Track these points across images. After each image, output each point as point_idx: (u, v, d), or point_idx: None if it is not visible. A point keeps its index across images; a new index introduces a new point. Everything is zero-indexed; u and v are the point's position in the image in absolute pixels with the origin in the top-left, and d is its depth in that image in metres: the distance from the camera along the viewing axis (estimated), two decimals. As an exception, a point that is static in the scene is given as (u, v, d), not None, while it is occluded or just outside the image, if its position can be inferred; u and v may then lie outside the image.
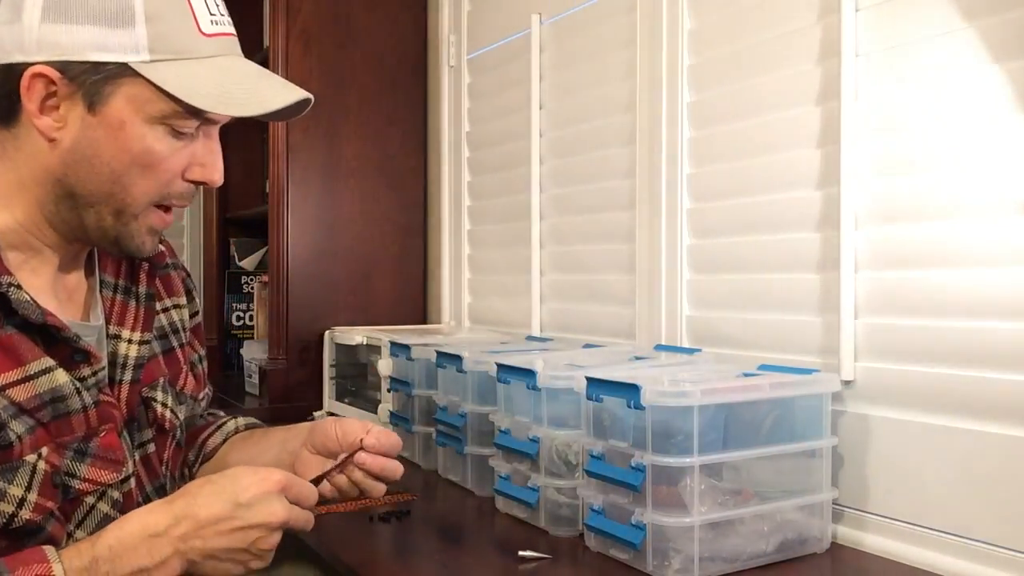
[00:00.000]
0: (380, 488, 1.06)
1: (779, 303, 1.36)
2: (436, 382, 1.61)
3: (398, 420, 1.75)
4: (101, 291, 1.02)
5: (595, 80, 1.76)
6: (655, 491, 1.09)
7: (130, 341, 1.01)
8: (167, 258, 1.12)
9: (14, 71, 0.86)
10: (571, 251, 1.85)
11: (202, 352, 1.22)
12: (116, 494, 0.94)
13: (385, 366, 1.80)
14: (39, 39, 0.85)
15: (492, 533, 1.33)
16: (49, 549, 0.82)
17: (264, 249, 2.82)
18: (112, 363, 0.98)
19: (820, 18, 1.29)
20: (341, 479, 1.04)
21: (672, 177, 1.54)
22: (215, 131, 0.94)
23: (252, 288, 2.87)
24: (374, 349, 1.95)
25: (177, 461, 1.10)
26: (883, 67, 1.21)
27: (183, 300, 1.15)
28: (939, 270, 1.14)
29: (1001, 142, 1.08)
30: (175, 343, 1.11)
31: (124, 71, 0.86)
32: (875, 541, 1.20)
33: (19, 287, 0.86)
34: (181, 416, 1.09)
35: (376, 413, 1.84)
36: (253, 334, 2.82)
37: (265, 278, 2.56)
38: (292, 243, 2.28)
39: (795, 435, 1.18)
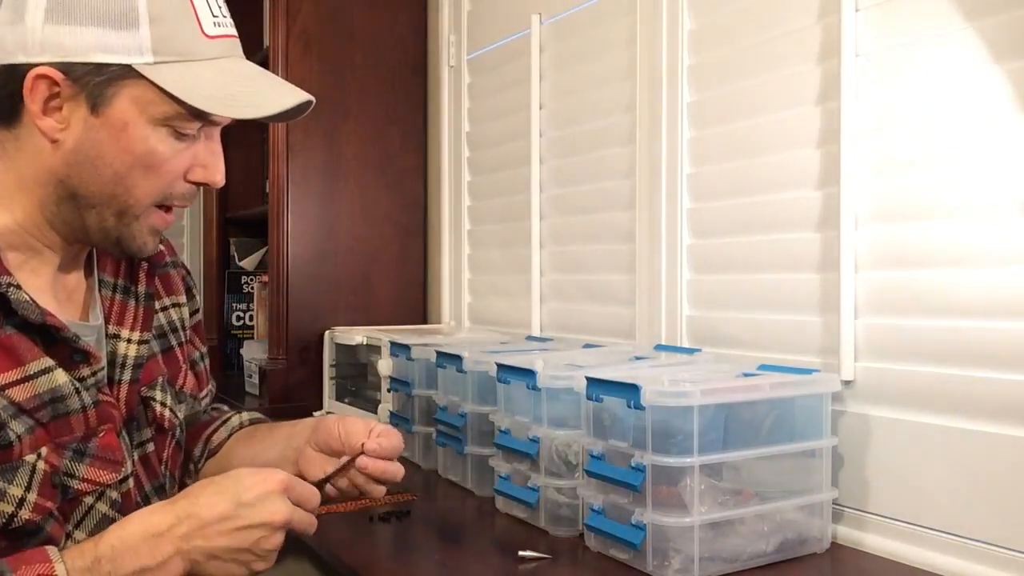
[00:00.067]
0: (380, 489, 1.06)
1: (779, 303, 1.36)
2: (436, 382, 1.61)
3: (398, 420, 1.75)
4: (100, 291, 1.02)
5: (595, 80, 1.76)
6: (655, 491, 1.09)
7: (129, 341, 1.01)
8: (167, 257, 1.13)
9: (16, 72, 0.86)
10: (571, 251, 1.85)
11: (203, 350, 1.22)
12: (115, 494, 0.94)
13: (385, 366, 1.80)
14: (42, 40, 0.85)
15: (492, 533, 1.33)
16: (51, 549, 0.82)
17: (264, 249, 2.82)
18: (111, 363, 0.98)
19: (820, 18, 1.29)
20: (342, 480, 1.04)
21: (672, 177, 1.54)
22: (217, 132, 0.95)
23: (252, 288, 2.87)
24: (374, 349, 1.95)
25: (177, 460, 1.10)
26: (883, 67, 1.21)
27: (183, 298, 1.15)
28: (939, 270, 1.14)
29: (1001, 142, 1.08)
30: (174, 342, 1.11)
31: (127, 73, 0.86)
32: (875, 541, 1.20)
33: (19, 287, 0.87)
34: (180, 415, 1.09)
35: (376, 413, 1.84)
36: (253, 334, 2.82)
37: (265, 278, 2.56)
38: (292, 243, 2.28)
39: (795, 435, 1.18)
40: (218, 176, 0.94)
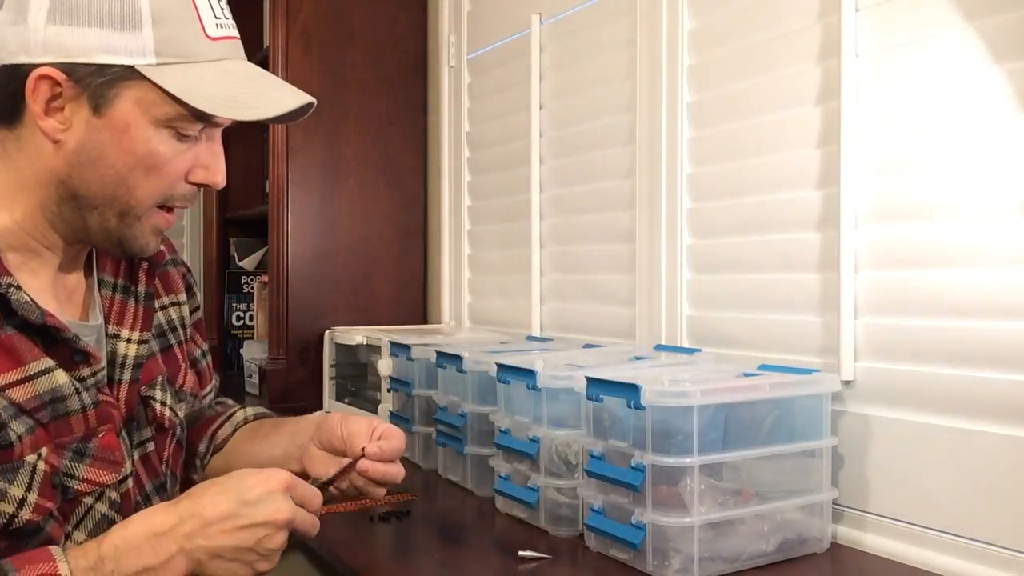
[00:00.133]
0: (380, 490, 1.07)
1: (779, 303, 1.36)
2: (436, 382, 1.61)
3: (398, 420, 1.75)
4: (100, 290, 1.02)
5: (595, 80, 1.76)
6: (655, 491, 1.09)
7: (129, 340, 1.01)
8: (167, 255, 1.13)
9: (18, 72, 0.86)
10: (571, 251, 1.85)
11: (204, 347, 1.22)
12: (114, 495, 0.94)
13: (385, 366, 1.80)
14: (45, 40, 0.85)
15: (492, 533, 1.33)
16: (55, 549, 0.82)
17: (264, 249, 2.82)
18: (111, 363, 0.98)
19: (820, 18, 1.29)
20: (343, 482, 1.04)
21: (672, 177, 1.54)
22: (218, 134, 0.95)
23: (252, 288, 2.87)
24: (374, 349, 1.95)
25: (178, 459, 1.10)
26: (883, 67, 1.21)
27: (182, 297, 1.15)
28: (939, 270, 1.14)
29: (1001, 142, 1.08)
30: (173, 341, 1.12)
31: (130, 74, 0.86)
32: (875, 541, 1.20)
33: (19, 288, 0.87)
34: (181, 414, 1.09)
35: (376, 413, 1.84)
36: (253, 334, 2.82)
37: (265, 278, 2.56)
38: (292, 243, 2.28)
39: (795, 435, 1.18)
40: (219, 177, 0.94)
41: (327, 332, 2.20)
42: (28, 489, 0.85)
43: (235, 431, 1.20)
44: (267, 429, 1.19)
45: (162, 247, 1.09)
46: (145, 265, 1.06)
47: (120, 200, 0.90)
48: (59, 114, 0.87)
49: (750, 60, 1.40)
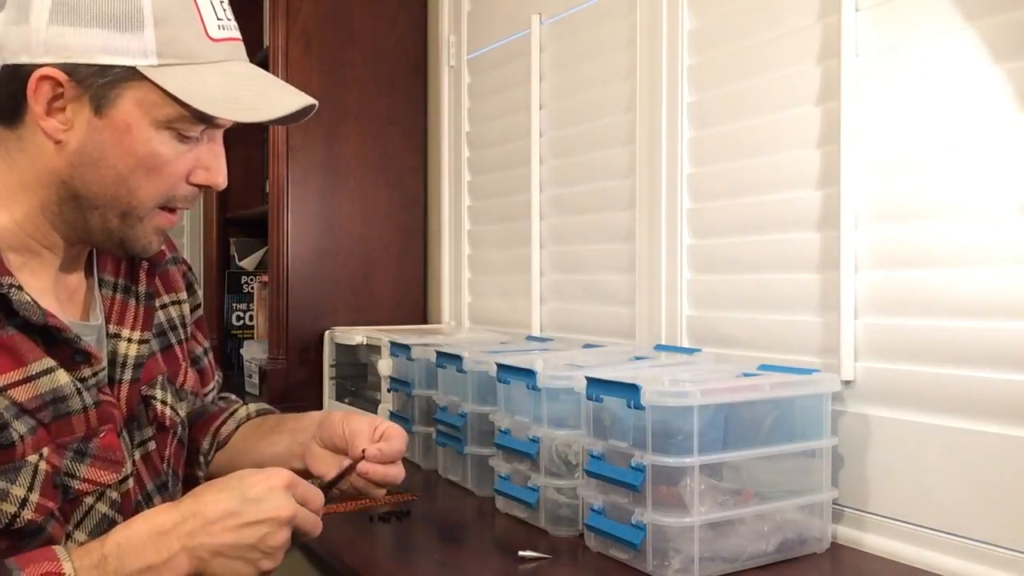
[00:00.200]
0: (380, 491, 1.07)
1: (779, 303, 1.36)
2: (436, 382, 1.61)
3: (398, 420, 1.74)
4: (101, 290, 1.02)
5: (595, 80, 1.76)
6: (655, 491, 1.09)
7: (130, 340, 1.01)
8: (167, 254, 1.13)
9: (20, 72, 0.86)
10: (571, 251, 1.85)
11: (206, 344, 1.22)
12: (114, 494, 0.94)
13: (385, 366, 1.80)
14: (47, 41, 0.85)
15: (492, 533, 1.33)
16: (59, 548, 0.82)
17: (264, 249, 2.82)
18: (112, 362, 0.99)
19: (820, 18, 1.29)
20: (343, 483, 1.04)
21: (672, 177, 1.54)
22: (219, 135, 0.95)
23: (252, 288, 2.87)
24: (374, 349, 1.95)
25: (180, 458, 1.10)
26: (883, 67, 1.21)
27: (183, 295, 1.15)
28: (939, 270, 1.14)
29: (1001, 142, 1.08)
30: (173, 340, 1.12)
31: (132, 75, 0.86)
32: (875, 541, 1.20)
33: (20, 288, 0.87)
34: (182, 413, 1.09)
35: (376, 413, 1.84)
36: (253, 334, 2.82)
37: (265, 278, 2.56)
38: (292, 243, 2.28)
39: (795, 435, 1.18)
40: (220, 178, 0.94)
41: (327, 332, 2.20)
42: (30, 489, 0.85)
43: (238, 428, 1.21)
44: (270, 426, 1.19)
45: (163, 246, 1.09)
46: (146, 265, 1.06)
47: (121, 201, 0.90)
48: (60, 114, 0.87)
49: (750, 60, 1.40)
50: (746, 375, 1.23)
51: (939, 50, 1.14)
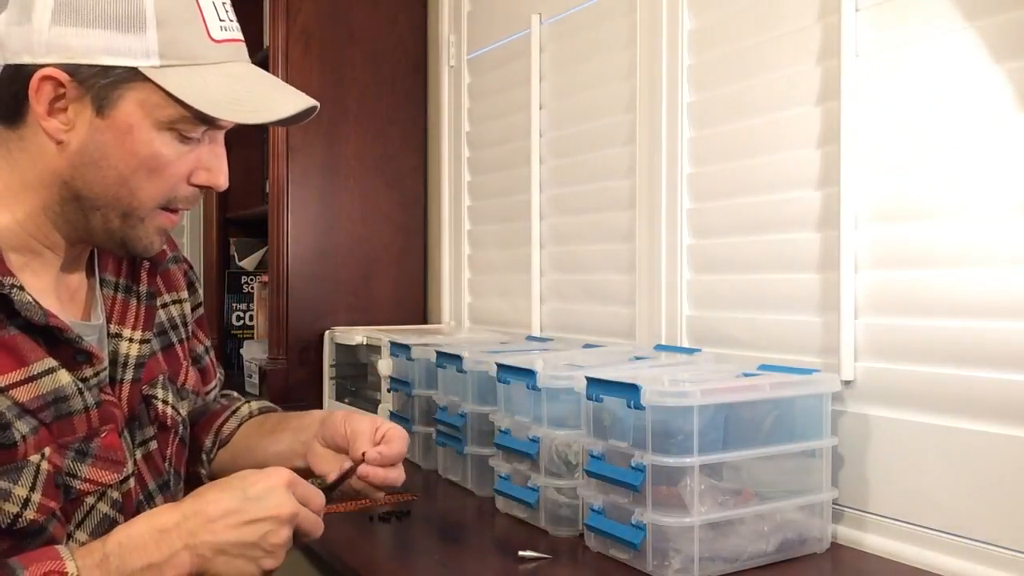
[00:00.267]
0: (379, 493, 1.07)
1: (779, 303, 1.36)
2: (436, 382, 1.61)
3: (398, 420, 1.74)
4: (102, 290, 1.02)
5: (595, 80, 1.76)
6: (655, 491, 1.09)
7: (131, 340, 1.01)
8: (168, 253, 1.13)
9: (22, 72, 0.86)
10: (571, 251, 1.85)
11: (207, 343, 1.23)
12: (116, 494, 0.94)
13: (385, 366, 1.80)
14: (49, 41, 0.85)
15: (492, 533, 1.33)
16: (62, 548, 0.82)
17: (264, 249, 2.82)
18: (113, 362, 0.99)
19: (820, 18, 1.29)
20: (343, 485, 1.04)
21: (672, 177, 1.54)
22: (221, 136, 0.95)
23: (252, 288, 2.87)
24: (374, 349, 1.95)
25: (181, 457, 1.10)
26: (883, 67, 1.21)
27: (184, 294, 1.16)
28: (939, 270, 1.14)
29: (1001, 142, 1.08)
30: (174, 339, 1.12)
31: (134, 76, 0.86)
32: (875, 541, 1.20)
33: (21, 288, 0.87)
34: (183, 412, 1.09)
35: (376, 413, 1.84)
36: (253, 334, 2.82)
37: (265, 278, 2.56)
38: (292, 243, 2.28)
39: (795, 435, 1.18)
40: (222, 179, 0.95)
41: (327, 332, 2.20)
42: (32, 489, 0.85)
43: (240, 426, 1.21)
44: (272, 424, 1.19)
45: (164, 246, 1.09)
46: (147, 264, 1.06)
47: (123, 201, 0.90)
48: (62, 115, 0.87)
49: (750, 60, 1.40)
50: (746, 375, 1.23)
51: (939, 50, 1.14)
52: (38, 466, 0.86)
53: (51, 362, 0.88)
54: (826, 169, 1.28)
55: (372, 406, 1.92)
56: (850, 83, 1.23)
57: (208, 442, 1.19)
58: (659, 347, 1.53)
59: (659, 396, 1.08)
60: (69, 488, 0.89)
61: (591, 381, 1.17)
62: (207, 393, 1.21)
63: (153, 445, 1.03)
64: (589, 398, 1.18)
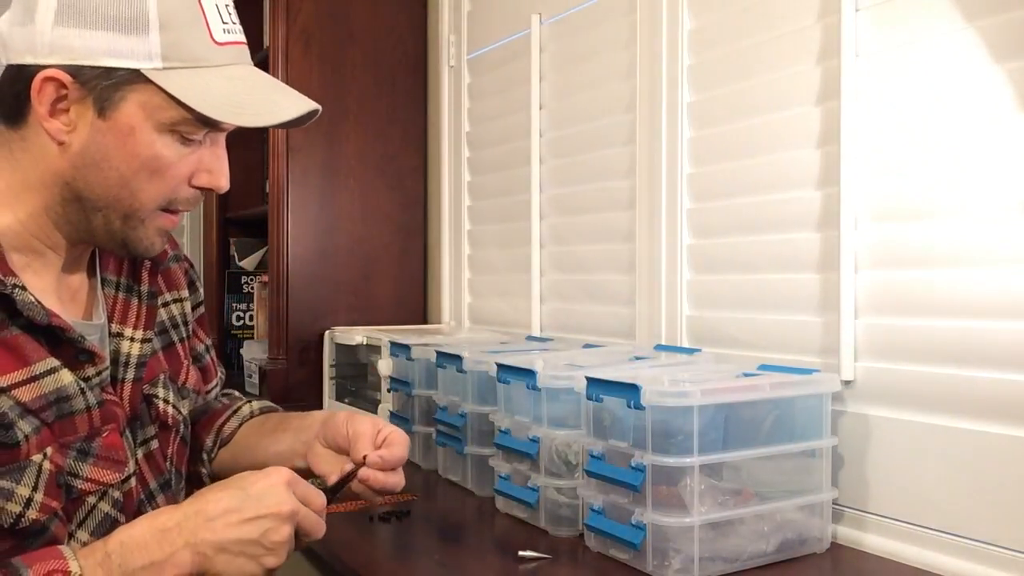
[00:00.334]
0: (378, 498, 1.07)
1: (779, 303, 1.36)
2: (436, 382, 1.61)
3: (398, 420, 1.75)
4: (103, 289, 1.02)
5: (595, 80, 1.76)
6: (655, 491, 1.09)
7: (132, 339, 1.01)
8: (169, 252, 1.13)
9: (24, 73, 0.86)
10: (571, 251, 1.85)
11: (208, 342, 1.23)
12: (117, 494, 0.94)
13: (385, 366, 1.80)
14: (51, 42, 0.85)
15: (492, 533, 1.33)
16: (64, 548, 0.82)
17: (264, 249, 2.82)
18: (115, 361, 0.99)
19: (820, 18, 1.29)
20: (344, 487, 1.05)
21: (672, 177, 1.54)
22: (222, 138, 0.95)
23: (252, 288, 2.87)
24: (374, 349, 1.95)
25: (183, 456, 1.11)
26: (883, 67, 1.21)
27: (185, 293, 1.16)
28: (939, 270, 1.14)
29: (1001, 142, 1.08)
30: (175, 338, 1.12)
31: (136, 78, 0.86)
32: (875, 541, 1.20)
33: (24, 288, 0.87)
34: (184, 411, 1.10)
35: (376, 413, 1.84)
36: (253, 334, 2.82)
37: (265, 278, 2.56)
38: (292, 243, 2.28)
39: (795, 435, 1.18)
40: (223, 181, 0.95)
41: (327, 332, 2.20)
42: (34, 489, 0.85)
43: (241, 425, 1.21)
44: (273, 424, 1.19)
45: (166, 245, 1.09)
46: (148, 263, 1.06)
47: (123, 202, 0.90)
48: (64, 116, 0.87)
49: (750, 60, 1.40)
50: (746, 375, 1.23)
51: (939, 50, 1.14)
52: (40, 466, 0.86)
53: (53, 362, 0.88)
54: (826, 169, 1.28)
55: (372, 406, 1.92)
56: (850, 83, 1.23)
57: (209, 441, 1.19)
58: (659, 347, 1.53)
59: (659, 396, 1.08)
60: (71, 488, 0.89)
61: (591, 381, 1.17)
62: (208, 392, 1.22)
63: (154, 444, 1.03)
64: (589, 398, 1.18)
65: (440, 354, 1.58)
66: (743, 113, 1.42)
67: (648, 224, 1.59)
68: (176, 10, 0.87)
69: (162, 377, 1.05)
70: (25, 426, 0.85)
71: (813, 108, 1.30)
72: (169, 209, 0.94)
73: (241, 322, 2.90)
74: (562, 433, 1.28)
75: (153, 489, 1.02)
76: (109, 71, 0.85)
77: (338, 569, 1.22)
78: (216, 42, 0.89)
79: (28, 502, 0.85)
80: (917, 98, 1.17)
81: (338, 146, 2.32)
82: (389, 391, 1.82)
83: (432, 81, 2.39)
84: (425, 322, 2.40)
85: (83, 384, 0.91)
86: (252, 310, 2.87)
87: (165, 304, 1.11)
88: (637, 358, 1.44)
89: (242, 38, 0.93)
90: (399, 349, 1.75)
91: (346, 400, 2.12)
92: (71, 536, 0.90)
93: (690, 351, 1.45)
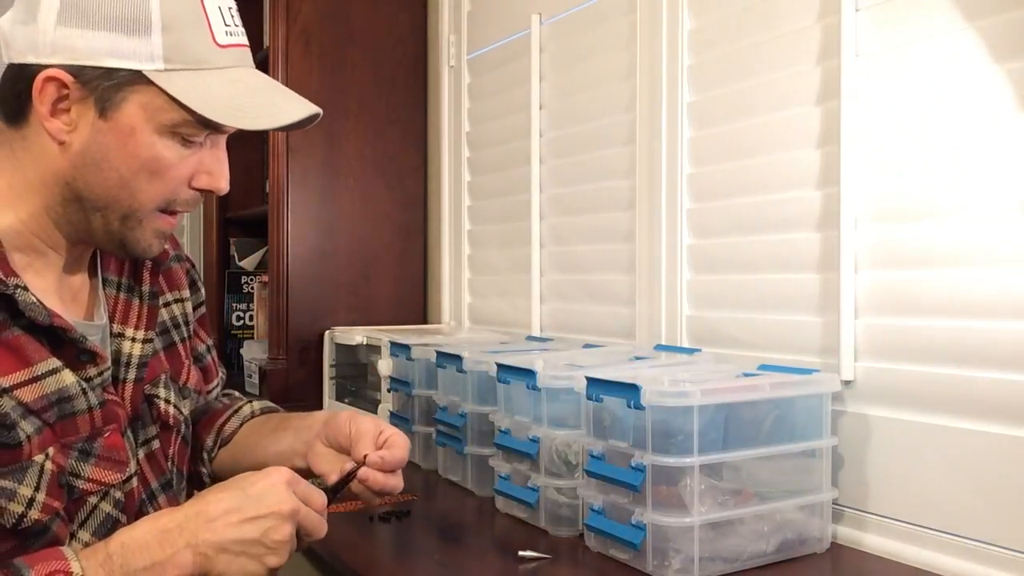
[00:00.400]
0: (377, 499, 1.08)
1: (779, 303, 1.36)
2: (436, 382, 1.61)
3: (398, 420, 1.75)
4: (104, 289, 1.02)
5: (595, 80, 1.76)
6: (655, 491, 1.09)
7: (134, 340, 1.01)
8: (170, 252, 1.13)
9: (26, 72, 0.86)
10: (571, 251, 1.85)
11: (209, 342, 1.23)
12: (118, 494, 0.94)
13: (385, 366, 1.80)
14: (54, 42, 0.85)
15: (492, 533, 1.33)
16: (66, 549, 0.83)
17: (264, 249, 2.82)
18: (116, 362, 0.99)
19: (820, 18, 1.29)
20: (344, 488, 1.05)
21: (672, 177, 1.54)
22: (222, 140, 0.95)
23: (252, 288, 2.87)
24: (374, 349, 1.95)
25: (184, 456, 1.11)
26: (883, 67, 1.21)
27: (186, 293, 1.16)
28: (939, 270, 1.14)
29: (1001, 142, 1.08)
30: (176, 338, 1.12)
31: (137, 79, 0.86)
32: (875, 541, 1.20)
33: (25, 289, 0.87)
34: (185, 411, 1.10)
35: (376, 413, 1.84)
36: (253, 334, 2.82)
37: (265, 278, 2.56)
38: (292, 243, 2.28)
39: (795, 435, 1.18)
40: (223, 183, 0.95)
41: (327, 332, 2.20)
42: (36, 489, 0.85)
43: (242, 425, 1.21)
44: (274, 424, 1.19)
45: (166, 246, 1.09)
46: (149, 264, 1.06)
47: (123, 203, 0.90)
48: (65, 116, 0.87)
49: (750, 60, 1.40)
50: (746, 375, 1.23)
51: (939, 50, 1.14)
52: (42, 466, 0.86)
53: (55, 362, 0.89)
54: (826, 169, 1.28)
55: (372, 406, 1.92)
56: (850, 83, 1.23)
57: (210, 441, 1.20)
58: (659, 347, 1.53)
59: (659, 396, 1.08)
60: (72, 488, 0.89)
61: (591, 381, 1.17)
62: (209, 392, 1.22)
63: (156, 444, 1.03)
64: (589, 398, 1.18)
65: (440, 354, 1.58)
66: (743, 113, 1.42)
67: (648, 224, 1.59)
68: (179, 12, 0.87)
69: (163, 377, 1.05)
70: (27, 426, 0.85)
71: (813, 108, 1.30)
72: (168, 210, 0.94)
73: (241, 322, 2.90)
74: (562, 433, 1.28)
75: (155, 489, 1.02)
76: (111, 72, 0.85)
77: (338, 569, 1.22)
78: (218, 44, 0.89)
79: (30, 502, 0.85)
80: (917, 98, 1.17)
81: (338, 146, 2.32)
82: (389, 391, 1.82)
83: (432, 81, 2.39)
84: (425, 322, 2.40)
85: (85, 384, 0.91)
86: (252, 310, 2.87)
87: (166, 304, 1.11)
88: (637, 358, 1.44)
89: (244, 41, 0.93)
90: (399, 349, 1.75)
91: (346, 400, 2.12)
92: (73, 536, 0.90)
93: (690, 351, 1.45)
